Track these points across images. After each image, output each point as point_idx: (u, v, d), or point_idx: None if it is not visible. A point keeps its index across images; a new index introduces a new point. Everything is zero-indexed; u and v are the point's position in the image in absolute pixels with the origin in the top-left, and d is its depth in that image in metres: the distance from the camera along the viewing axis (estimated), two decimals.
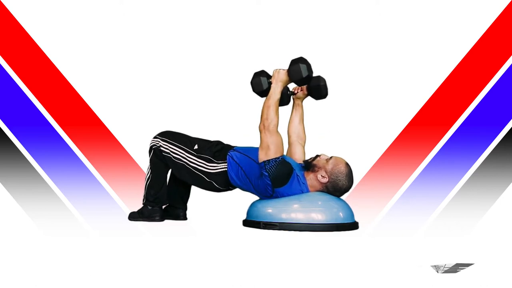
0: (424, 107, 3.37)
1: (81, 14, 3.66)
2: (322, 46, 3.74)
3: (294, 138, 2.91)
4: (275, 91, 2.65)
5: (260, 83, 2.73)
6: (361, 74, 3.76)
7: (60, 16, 3.60)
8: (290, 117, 2.94)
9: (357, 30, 3.77)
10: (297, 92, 2.92)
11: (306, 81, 2.68)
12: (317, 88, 2.82)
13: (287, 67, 2.67)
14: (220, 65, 3.79)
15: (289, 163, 2.60)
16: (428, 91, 3.38)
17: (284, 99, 2.90)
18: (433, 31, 3.64)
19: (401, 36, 3.70)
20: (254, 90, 2.77)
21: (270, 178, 2.55)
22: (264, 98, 2.68)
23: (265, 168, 2.55)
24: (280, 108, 2.75)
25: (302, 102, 2.94)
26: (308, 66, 2.64)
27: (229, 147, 2.82)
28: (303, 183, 2.62)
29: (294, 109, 2.95)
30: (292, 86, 2.91)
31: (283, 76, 2.66)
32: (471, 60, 3.29)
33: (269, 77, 2.73)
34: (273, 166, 2.54)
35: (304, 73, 2.62)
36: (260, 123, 2.62)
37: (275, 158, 2.55)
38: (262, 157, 2.58)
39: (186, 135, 2.87)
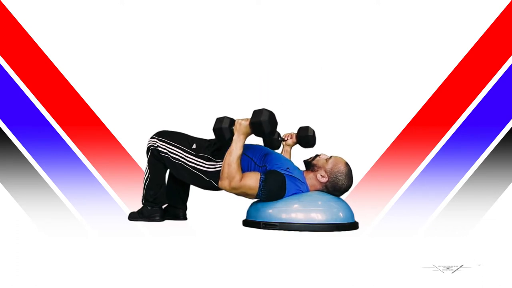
0: (424, 107, 3.37)
1: (81, 14, 3.66)
2: (322, 46, 3.74)
3: None
4: (237, 146, 2.54)
5: (222, 133, 2.58)
6: (361, 74, 3.76)
7: (60, 16, 3.60)
8: None
9: (357, 30, 3.77)
10: (287, 139, 3.01)
11: (269, 135, 2.58)
12: (306, 138, 2.94)
13: (249, 117, 2.53)
14: (220, 65, 3.78)
15: (273, 172, 2.57)
16: (428, 91, 3.38)
17: (274, 144, 3.01)
18: (433, 31, 3.64)
19: (401, 36, 3.70)
20: (216, 139, 2.66)
21: (269, 199, 2.57)
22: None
23: (260, 196, 2.56)
24: None
25: (291, 149, 3.04)
26: (271, 119, 2.48)
27: (228, 147, 2.81)
28: (303, 183, 2.62)
29: (283, 154, 3.02)
30: (283, 131, 2.99)
31: (245, 129, 2.54)
32: (471, 60, 3.29)
33: (232, 123, 2.59)
34: (263, 190, 2.54)
35: (267, 129, 2.48)
36: (221, 181, 2.56)
37: (259, 188, 2.54)
38: (250, 197, 2.60)
39: (183, 134, 2.87)
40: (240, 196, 2.63)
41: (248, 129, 2.54)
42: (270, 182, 2.54)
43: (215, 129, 2.61)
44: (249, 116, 2.54)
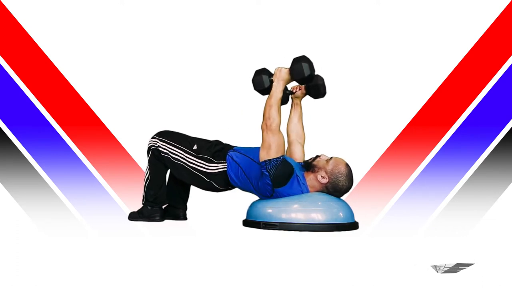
0: (424, 107, 3.37)
1: (81, 14, 3.66)
2: (322, 46, 3.73)
3: (293, 137, 2.91)
4: (277, 90, 2.63)
5: (262, 81, 2.71)
6: (361, 74, 3.76)
7: (60, 16, 3.60)
8: (289, 117, 2.95)
9: (357, 30, 3.77)
10: (296, 91, 2.93)
11: (308, 80, 2.66)
12: (316, 87, 2.86)
13: (289, 66, 2.65)
14: (220, 65, 3.79)
15: (290, 164, 2.59)
16: (428, 91, 3.38)
17: (283, 99, 2.92)
18: (433, 31, 3.64)
19: (401, 36, 3.70)
20: (255, 88, 2.76)
21: (270, 178, 2.54)
22: (266, 97, 2.67)
23: (266, 167, 2.55)
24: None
25: (300, 101, 2.95)
26: (310, 65, 2.62)
27: (228, 147, 2.81)
28: (303, 184, 2.62)
29: (293, 108, 2.96)
30: (290, 85, 2.92)
31: (285, 75, 2.65)
32: (471, 60, 3.29)
33: (270, 75, 2.72)
34: (274, 166, 2.54)
35: (306, 72, 2.60)
36: (263, 122, 2.61)
37: (276, 158, 2.55)
38: (263, 156, 2.57)
39: (184, 134, 2.87)
40: (261, 149, 2.59)
41: (287, 75, 2.65)
42: (283, 165, 2.54)
43: (254, 78, 2.74)
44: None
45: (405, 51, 3.68)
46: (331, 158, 2.65)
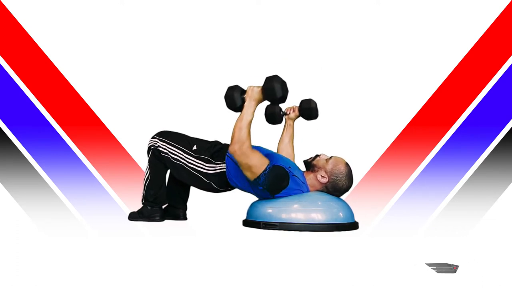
0: (424, 107, 3.37)
1: (81, 14, 3.66)
2: (322, 46, 3.74)
3: None
4: (248, 112, 2.53)
5: (233, 99, 2.59)
6: (361, 74, 3.76)
7: (60, 16, 3.60)
8: (281, 136, 2.98)
9: (357, 30, 3.77)
10: (289, 113, 2.96)
11: (281, 101, 2.56)
12: (309, 111, 2.90)
13: (261, 84, 2.56)
14: (220, 65, 3.78)
15: (279, 166, 2.55)
16: (428, 91, 3.38)
17: (276, 119, 2.97)
18: (433, 31, 3.64)
19: (401, 36, 3.70)
20: (227, 106, 2.65)
21: (268, 189, 2.54)
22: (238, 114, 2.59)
23: (259, 183, 2.54)
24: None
25: (293, 122, 2.99)
26: (283, 85, 2.51)
27: (227, 148, 2.81)
28: (303, 183, 2.62)
29: (285, 128, 2.99)
30: (285, 106, 2.94)
31: (257, 95, 2.55)
32: (471, 60, 3.29)
33: (243, 92, 2.61)
34: (265, 179, 2.52)
35: (279, 94, 2.50)
36: (231, 145, 2.52)
37: (263, 171, 2.53)
38: (250, 176, 2.54)
39: (184, 135, 2.87)
40: (244, 171, 2.55)
41: (260, 95, 2.55)
42: (273, 173, 2.52)
43: (226, 96, 2.63)
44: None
45: (405, 51, 3.68)
46: (331, 157, 2.65)
